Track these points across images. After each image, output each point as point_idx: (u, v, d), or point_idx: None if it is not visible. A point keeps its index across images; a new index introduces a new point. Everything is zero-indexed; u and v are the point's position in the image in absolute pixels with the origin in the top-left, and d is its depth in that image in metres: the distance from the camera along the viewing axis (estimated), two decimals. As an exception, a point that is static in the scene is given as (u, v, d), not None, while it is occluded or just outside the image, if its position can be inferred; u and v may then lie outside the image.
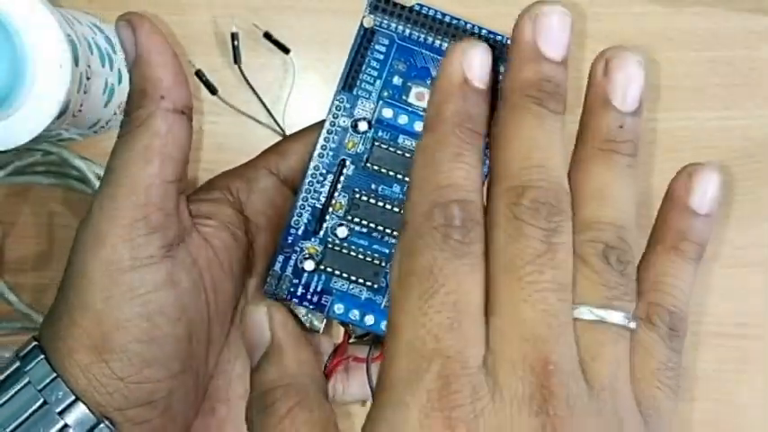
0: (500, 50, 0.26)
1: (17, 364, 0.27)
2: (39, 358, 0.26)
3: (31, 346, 0.27)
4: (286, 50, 0.45)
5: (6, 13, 0.32)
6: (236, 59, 0.45)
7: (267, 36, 0.45)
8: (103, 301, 0.26)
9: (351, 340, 0.31)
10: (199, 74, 0.45)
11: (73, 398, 0.26)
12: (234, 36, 0.45)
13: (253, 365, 0.27)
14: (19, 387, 0.26)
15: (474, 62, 0.24)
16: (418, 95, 0.29)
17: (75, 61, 0.34)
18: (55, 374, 0.26)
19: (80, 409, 0.26)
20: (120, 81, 0.40)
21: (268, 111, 0.46)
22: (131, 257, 0.26)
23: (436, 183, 0.23)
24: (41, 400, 0.26)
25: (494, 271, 0.22)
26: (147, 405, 0.27)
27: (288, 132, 0.46)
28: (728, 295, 0.48)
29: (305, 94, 0.46)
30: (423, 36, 0.29)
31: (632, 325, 0.23)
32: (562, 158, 0.23)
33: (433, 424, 0.20)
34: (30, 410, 0.26)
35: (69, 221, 0.45)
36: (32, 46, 0.32)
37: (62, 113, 0.34)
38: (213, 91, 0.45)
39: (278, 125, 0.46)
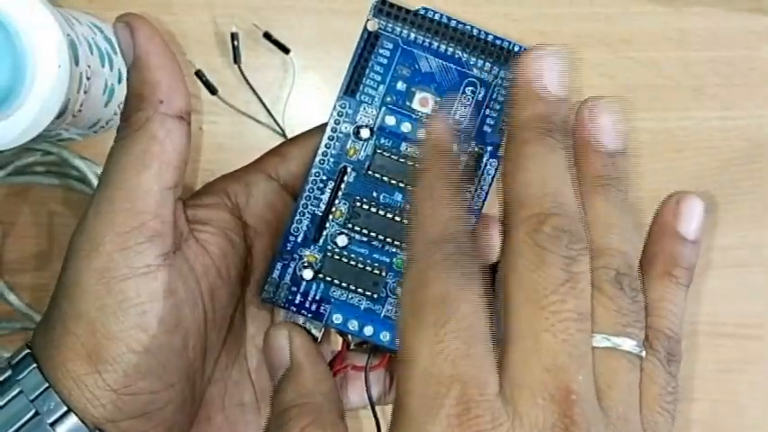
0: (505, 56, 0.26)
1: (9, 372, 0.26)
2: (31, 367, 0.26)
3: (23, 354, 0.26)
4: (286, 50, 0.45)
5: (6, 14, 0.32)
6: (236, 59, 0.45)
7: (267, 36, 0.45)
8: (98, 311, 0.26)
9: (350, 348, 0.30)
10: (199, 74, 0.45)
11: (65, 409, 0.25)
12: (234, 36, 0.45)
13: (273, 386, 0.27)
14: (10, 396, 0.26)
15: (448, 131, 0.25)
16: (422, 101, 0.28)
17: (76, 61, 0.34)
18: (47, 384, 0.25)
19: (72, 421, 0.25)
20: (119, 81, 0.40)
21: (268, 111, 0.46)
22: (127, 266, 0.26)
23: (436, 219, 0.23)
24: (33, 411, 0.25)
25: (513, 299, 0.22)
26: (142, 417, 0.26)
27: (288, 132, 0.46)
28: (728, 295, 0.48)
29: (305, 94, 0.46)
30: (428, 41, 0.28)
31: (643, 353, 0.23)
32: (575, 189, 0.24)
33: None
34: (21, 421, 0.25)
35: (69, 221, 0.45)
36: (32, 46, 0.32)
37: (62, 113, 0.34)
38: (213, 91, 0.45)
39: (278, 125, 0.46)
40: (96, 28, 0.39)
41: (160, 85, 0.27)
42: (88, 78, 0.36)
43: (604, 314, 0.23)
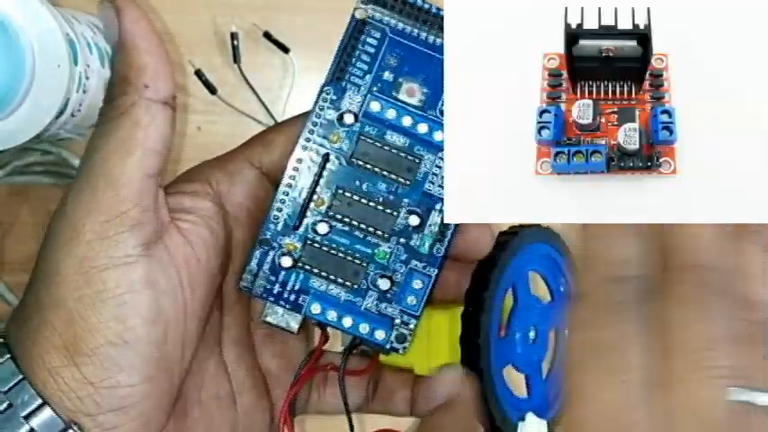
0: None
1: None
2: (4, 358, 0.25)
3: None
4: (286, 50, 0.45)
5: (6, 14, 0.32)
6: (236, 59, 0.45)
7: (267, 36, 0.45)
8: (76, 301, 0.25)
9: (335, 349, 0.30)
10: (198, 74, 0.45)
11: (40, 401, 0.25)
12: (233, 36, 0.45)
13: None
14: None
15: None
16: (409, 91, 0.28)
17: (75, 61, 0.34)
18: (21, 376, 0.25)
19: (47, 414, 0.25)
20: (119, 81, 0.40)
21: (268, 110, 0.46)
22: (107, 256, 0.25)
23: (610, 257, 0.23)
24: (7, 403, 0.25)
25: (671, 344, 0.22)
26: (119, 410, 0.25)
27: (287, 132, 0.46)
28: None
29: (304, 93, 0.46)
30: (416, 31, 0.28)
31: None
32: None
33: None
34: None
35: (69, 221, 0.45)
36: (32, 45, 0.32)
37: (61, 113, 0.34)
38: (213, 91, 0.45)
39: (278, 125, 0.46)
40: (95, 27, 0.39)
41: (146, 69, 0.26)
42: (87, 78, 0.36)
43: (753, 368, 0.22)
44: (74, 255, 0.25)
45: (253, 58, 0.45)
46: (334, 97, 0.28)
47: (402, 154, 0.28)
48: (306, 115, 0.28)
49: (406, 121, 0.28)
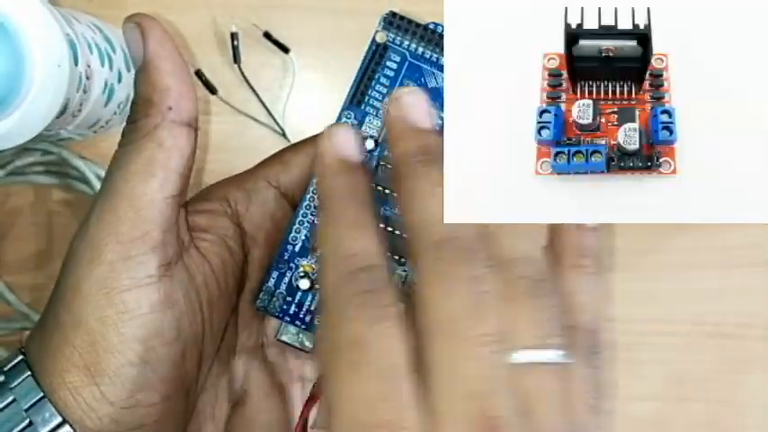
0: None
1: (1, 378, 0.26)
2: (26, 375, 0.25)
3: (17, 360, 0.26)
4: (286, 50, 0.45)
5: (6, 13, 0.32)
6: (236, 59, 0.45)
7: (267, 36, 0.45)
8: (98, 321, 0.25)
9: None
10: (199, 74, 0.45)
11: (60, 419, 0.25)
12: (233, 36, 0.45)
13: None
14: (4, 404, 0.25)
15: (343, 141, 0.25)
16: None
17: (75, 61, 0.34)
18: (42, 394, 0.25)
19: None
20: (119, 81, 0.40)
21: (268, 110, 0.46)
22: (129, 277, 0.25)
23: (340, 255, 0.23)
24: (27, 421, 0.25)
25: (424, 330, 0.22)
26: (138, 429, 0.26)
27: (287, 132, 0.46)
28: (729, 295, 0.48)
29: (305, 93, 0.46)
30: (435, 55, 0.28)
31: (565, 360, 0.23)
32: None
33: None
34: (14, 430, 0.25)
35: (69, 221, 0.45)
36: (32, 46, 0.32)
37: (61, 113, 0.34)
38: (213, 91, 0.45)
39: (277, 125, 0.46)
40: (96, 27, 0.39)
41: (170, 92, 0.26)
42: (88, 78, 0.36)
43: (522, 328, 0.22)
44: (95, 275, 0.25)
45: (253, 58, 0.45)
46: (355, 121, 0.28)
47: None
48: None
49: None
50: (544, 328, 0.22)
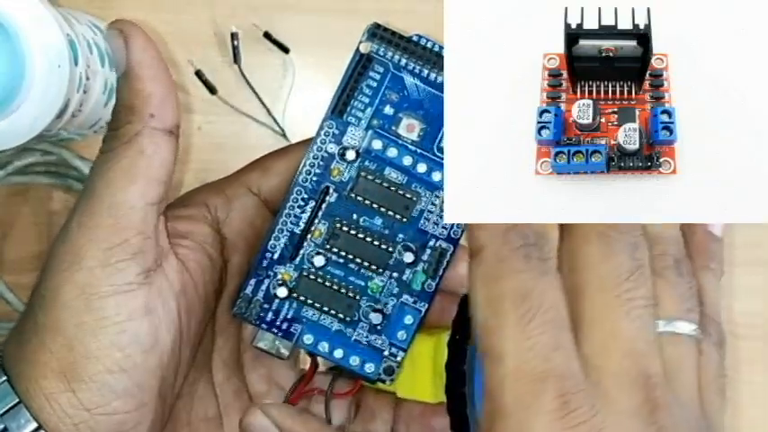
0: None
1: None
2: (1, 380, 0.25)
3: None
4: (286, 50, 0.45)
5: (6, 13, 0.32)
6: (236, 59, 0.45)
7: (267, 36, 0.45)
8: (76, 327, 0.25)
9: (316, 370, 0.30)
10: (198, 74, 0.45)
11: (35, 425, 0.25)
12: (233, 36, 0.45)
13: None
14: None
15: None
16: (409, 127, 0.28)
17: (75, 61, 0.34)
18: (18, 400, 0.25)
19: None
20: (119, 81, 0.40)
21: (268, 111, 0.46)
22: (109, 284, 0.25)
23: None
24: (2, 426, 0.25)
25: (585, 286, 0.23)
26: None
27: (287, 132, 0.46)
28: (729, 295, 0.48)
29: (304, 94, 0.46)
30: (418, 67, 0.28)
31: (701, 336, 0.24)
32: None
33: None
34: None
35: (69, 221, 0.45)
36: (32, 46, 0.32)
37: (62, 113, 0.34)
38: (213, 91, 0.45)
39: (277, 125, 0.46)
40: (96, 27, 0.39)
41: (152, 98, 0.26)
42: (88, 78, 0.36)
43: (667, 299, 0.24)
44: (75, 280, 0.25)
45: (253, 58, 0.45)
46: (336, 131, 0.28)
47: (400, 191, 0.29)
48: (304, 144, 0.29)
49: (407, 161, 0.29)
50: (686, 303, 0.24)
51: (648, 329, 0.23)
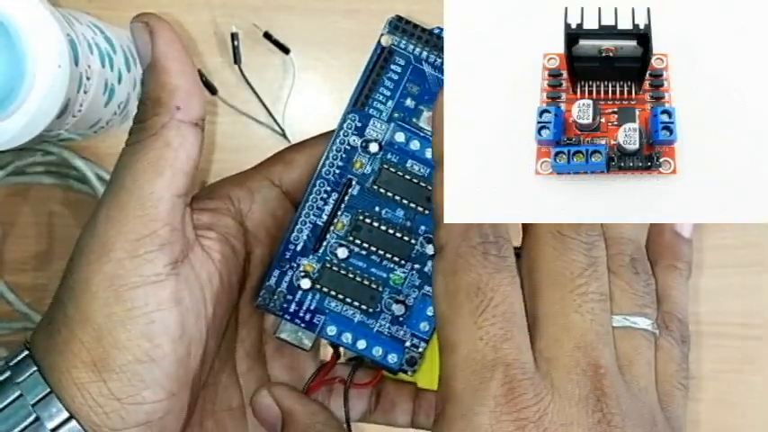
0: None
1: (8, 373, 0.26)
2: (32, 370, 0.26)
3: (22, 356, 0.26)
4: (286, 50, 0.45)
5: (6, 14, 0.32)
6: (236, 59, 0.45)
7: (267, 36, 0.45)
8: (106, 318, 0.25)
9: (338, 361, 0.30)
10: (199, 74, 0.45)
11: (67, 415, 0.25)
12: (234, 36, 0.45)
13: None
14: (10, 400, 0.25)
15: None
16: (429, 119, 0.28)
17: (75, 61, 0.34)
18: (49, 389, 0.25)
19: (73, 428, 0.25)
20: (119, 81, 0.40)
21: (268, 111, 0.46)
22: (137, 275, 0.25)
23: None
24: (34, 416, 0.25)
25: (540, 284, 0.24)
26: (143, 426, 0.26)
27: (287, 132, 0.46)
28: (728, 295, 0.48)
29: (305, 94, 0.46)
30: (439, 60, 0.28)
31: (657, 331, 0.26)
32: None
33: (503, 426, 0.22)
34: (21, 426, 0.25)
35: (69, 221, 0.45)
36: (32, 46, 0.32)
37: (62, 113, 0.34)
38: (213, 91, 0.45)
39: (277, 125, 0.46)
40: (96, 28, 0.39)
41: (178, 91, 0.26)
42: (88, 78, 0.36)
43: (622, 296, 0.25)
44: (104, 272, 0.26)
45: (253, 59, 0.45)
46: (359, 124, 0.29)
47: (422, 183, 0.29)
48: (326, 136, 0.29)
49: (429, 153, 0.29)
50: (641, 300, 0.25)
51: (601, 323, 0.24)
